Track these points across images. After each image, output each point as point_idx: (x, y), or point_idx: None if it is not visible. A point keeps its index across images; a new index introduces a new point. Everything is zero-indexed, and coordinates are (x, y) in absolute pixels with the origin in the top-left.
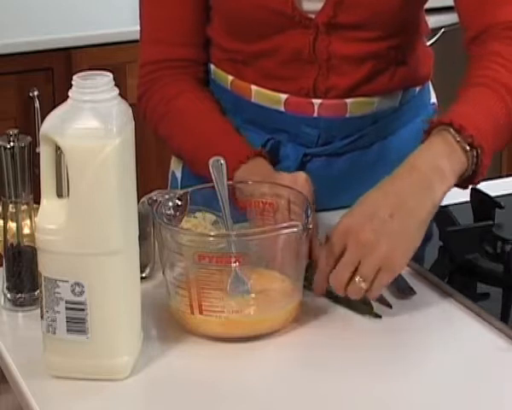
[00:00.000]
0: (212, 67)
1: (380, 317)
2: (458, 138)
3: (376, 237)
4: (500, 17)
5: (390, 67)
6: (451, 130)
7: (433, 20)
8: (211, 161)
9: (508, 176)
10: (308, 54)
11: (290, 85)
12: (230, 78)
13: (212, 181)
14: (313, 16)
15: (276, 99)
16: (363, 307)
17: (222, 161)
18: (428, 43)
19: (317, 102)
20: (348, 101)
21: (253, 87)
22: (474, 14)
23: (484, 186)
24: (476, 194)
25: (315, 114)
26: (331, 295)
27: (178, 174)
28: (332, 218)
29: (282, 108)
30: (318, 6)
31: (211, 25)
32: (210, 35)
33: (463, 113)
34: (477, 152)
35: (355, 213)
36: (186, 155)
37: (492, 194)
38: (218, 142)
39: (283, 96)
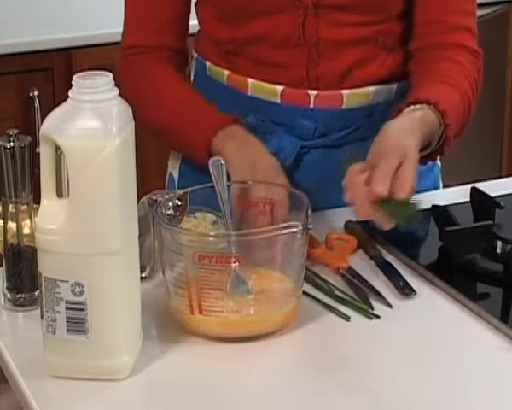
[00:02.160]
0: (208, 64)
1: (378, 317)
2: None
3: None
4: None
5: (380, 54)
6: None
7: None
8: (211, 161)
9: (508, 176)
10: (297, 38)
11: (284, 74)
12: (226, 73)
13: (211, 180)
14: None
15: (272, 91)
16: (362, 307)
17: (222, 161)
18: None
19: (312, 93)
20: (344, 92)
21: (250, 80)
22: (432, 28)
23: (484, 186)
24: (476, 194)
25: (311, 106)
26: (332, 295)
27: (176, 175)
28: (332, 218)
29: (278, 101)
30: None
31: (204, 17)
32: (202, 28)
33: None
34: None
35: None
36: (161, 128)
37: (492, 194)
38: (191, 111)
39: (279, 88)
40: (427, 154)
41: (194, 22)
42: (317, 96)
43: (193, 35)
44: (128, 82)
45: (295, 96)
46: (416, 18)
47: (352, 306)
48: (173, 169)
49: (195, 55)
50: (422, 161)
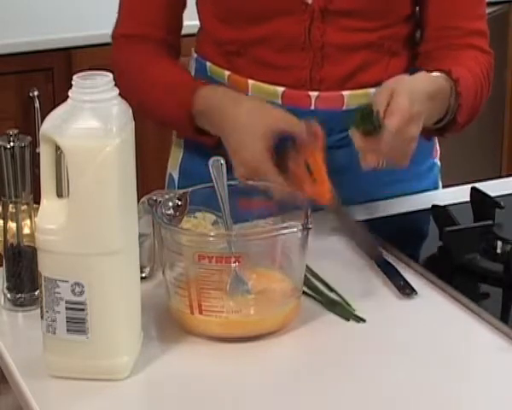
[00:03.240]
0: (208, 64)
1: (364, 321)
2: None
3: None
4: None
5: (384, 58)
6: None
7: None
8: (210, 161)
9: (508, 176)
10: (303, 42)
11: (286, 76)
12: (227, 73)
13: (211, 180)
14: (310, 1)
15: (272, 92)
16: (350, 310)
17: (222, 161)
18: None
19: (313, 94)
20: (345, 93)
21: (250, 81)
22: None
23: (484, 186)
24: (476, 194)
25: (312, 107)
26: (323, 296)
27: (175, 175)
28: (332, 218)
29: (279, 101)
30: None
31: (204, 16)
32: (203, 27)
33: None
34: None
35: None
36: (148, 100)
37: (492, 194)
38: (176, 77)
39: (280, 89)
40: (443, 126)
41: (195, 22)
42: (318, 97)
43: (193, 35)
44: (117, 66)
45: (296, 97)
46: (429, 22)
47: (341, 310)
48: (173, 170)
49: (195, 55)
50: (439, 133)
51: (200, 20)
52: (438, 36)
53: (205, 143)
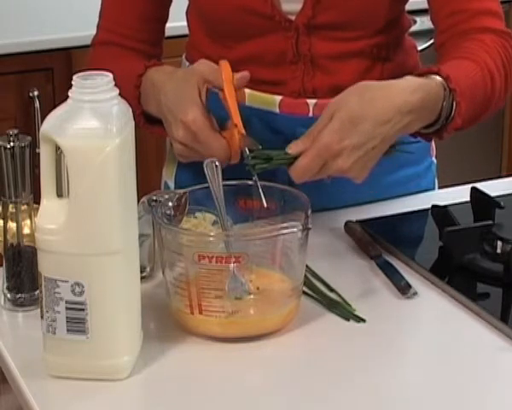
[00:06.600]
0: None
1: (364, 321)
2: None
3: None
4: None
5: (377, 65)
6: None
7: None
8: (205, 162)
9: (508, 176)
10: (292, 56)
11: (278, 89)
12: None
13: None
14: (293, 18)
15: (270, 101)
16: (350, 310)
17: (217, 163)
18: (426, 45)
19: (311, 102)
20: None
21: (247, 90)
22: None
23: (484, 186)
24: (476, 194)
25: (310, 114)
26: (318, 297)
27: (171, 184)
28: (332, 218)
29: (276, 110)
30: (297, 7)
31: (193, 28)
32: (193, 40)
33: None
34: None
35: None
36: None
37: (492, 194)
38: (128, 67)
39: (277, 98)
40: (440, 128)
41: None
42: (316, 104)
43: (186, 36)
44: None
45: (294, 105)
46: (437, 13)
47: (340, 310)
48: (168, 179)
49: (187, 63)
50: (437, 135)
51: (189, 31)
52: (448, 25)
53: (157, 133)
